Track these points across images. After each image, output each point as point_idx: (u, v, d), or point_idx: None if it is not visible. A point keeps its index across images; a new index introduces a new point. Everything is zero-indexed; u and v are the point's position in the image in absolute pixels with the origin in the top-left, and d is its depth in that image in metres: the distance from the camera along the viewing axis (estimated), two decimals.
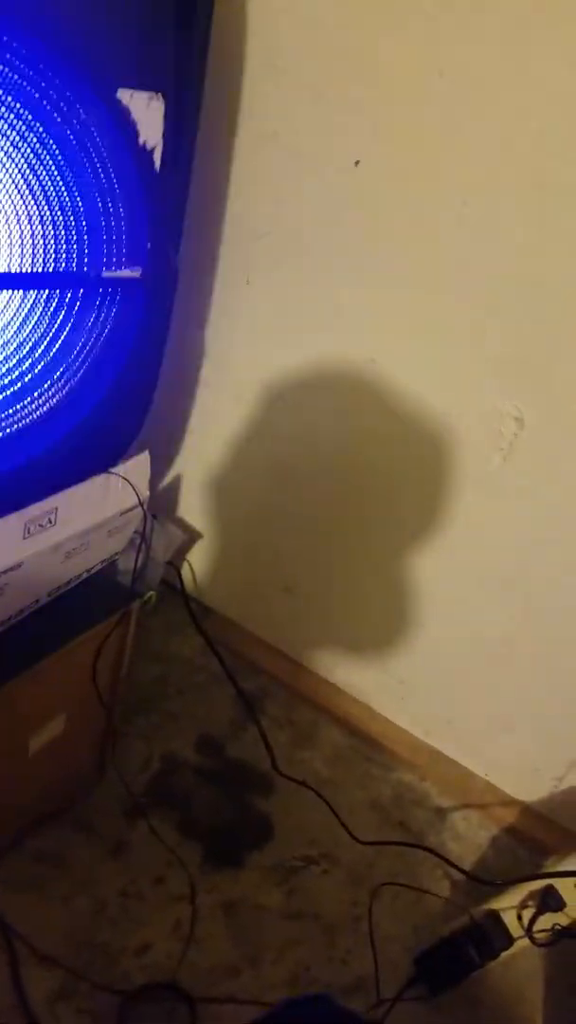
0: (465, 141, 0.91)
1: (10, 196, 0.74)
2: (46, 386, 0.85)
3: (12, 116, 0.69)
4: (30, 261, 0.78)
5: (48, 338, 0.83)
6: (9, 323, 0.80)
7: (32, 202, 0.76)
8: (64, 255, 0.80)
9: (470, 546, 1.12)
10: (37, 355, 0.83)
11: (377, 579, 1.24)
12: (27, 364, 0.83)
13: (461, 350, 1.01)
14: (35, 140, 0.72)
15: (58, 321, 0.83)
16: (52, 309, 0.82)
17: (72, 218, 0.79)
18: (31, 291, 0.79)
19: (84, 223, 0.81)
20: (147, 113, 0.81)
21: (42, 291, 0.80)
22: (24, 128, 0.71)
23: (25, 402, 0.83)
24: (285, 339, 1.15)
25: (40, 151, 0.73)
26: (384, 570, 1.22)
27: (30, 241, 0.77)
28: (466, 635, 1.19)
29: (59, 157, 0.75)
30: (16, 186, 0.74)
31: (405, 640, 1.26)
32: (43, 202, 0.76)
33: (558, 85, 0.83)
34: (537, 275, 0.92)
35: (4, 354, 0.81)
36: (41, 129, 0.72)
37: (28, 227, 0.76)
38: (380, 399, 1.09)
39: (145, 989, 0.98)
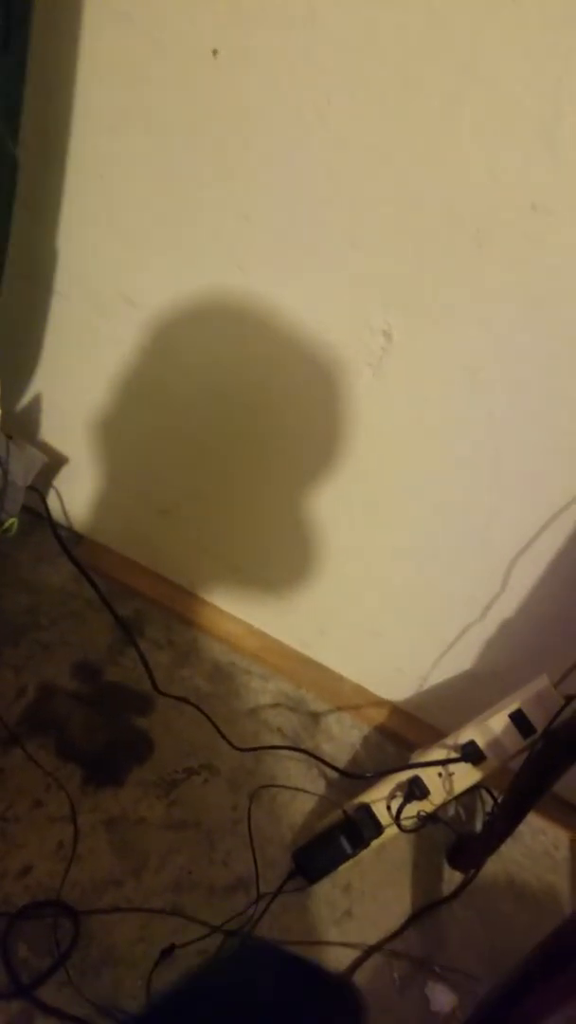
0: (328, 32, 0.86)
1: None
2: None
3: None
4: None
5: None
6: None
7: None
8: None
9: (345, 463, 1.13)
10: None
11: (256, 499, 1.24)
12: None
13: (332, 263, 0.99)
14: None
15: None
16: None
17: None
18: None
19: None
20: None
21: None
22: None
23: None
24: (148, 244, 1.08)
25: None
26: (263, 490, 1.22)
27: None
28: (339, 549, 1.22)
29: None
30: None
31: (281, 558, 1.27)
32: None
33: None
34: (405, 187, 0.91)
35: None
36: None
37: None
38: (254, 314, 1.06)
39: (28, 908, 0.99)
